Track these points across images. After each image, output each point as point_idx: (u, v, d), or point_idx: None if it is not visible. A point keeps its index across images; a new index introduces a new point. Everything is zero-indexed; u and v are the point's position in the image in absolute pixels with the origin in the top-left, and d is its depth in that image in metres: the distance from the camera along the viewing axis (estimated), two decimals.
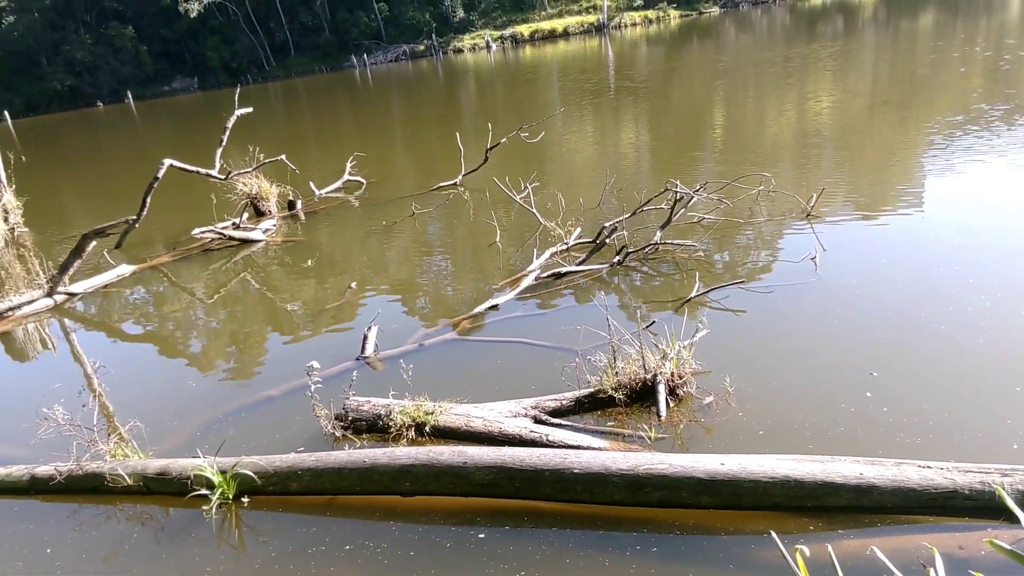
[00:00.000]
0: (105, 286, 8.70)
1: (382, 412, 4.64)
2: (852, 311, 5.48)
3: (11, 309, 7.99)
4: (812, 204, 7.63)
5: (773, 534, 2.30)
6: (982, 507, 3.23)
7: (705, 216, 7.71)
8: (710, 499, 3.49)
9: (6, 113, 51.04)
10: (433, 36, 59.83)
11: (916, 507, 3.31)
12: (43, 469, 4.48)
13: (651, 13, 55.88)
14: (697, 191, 7.32)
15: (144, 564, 3.74)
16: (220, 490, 4.04)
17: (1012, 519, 1.70)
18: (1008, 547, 1.76)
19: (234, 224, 9.95)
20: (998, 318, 5.02)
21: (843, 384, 4.48)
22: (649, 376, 4.50)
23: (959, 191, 8.03)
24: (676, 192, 7.14)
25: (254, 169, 10.60)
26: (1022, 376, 4.28)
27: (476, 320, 6.24)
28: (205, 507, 4.02)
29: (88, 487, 4.39)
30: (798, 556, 2.20)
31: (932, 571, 2.03)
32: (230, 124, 10.64)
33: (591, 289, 6.62)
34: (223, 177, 10.26)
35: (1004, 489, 3.19)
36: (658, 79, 23.26)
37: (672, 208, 7.19)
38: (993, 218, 7.04)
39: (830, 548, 2.25)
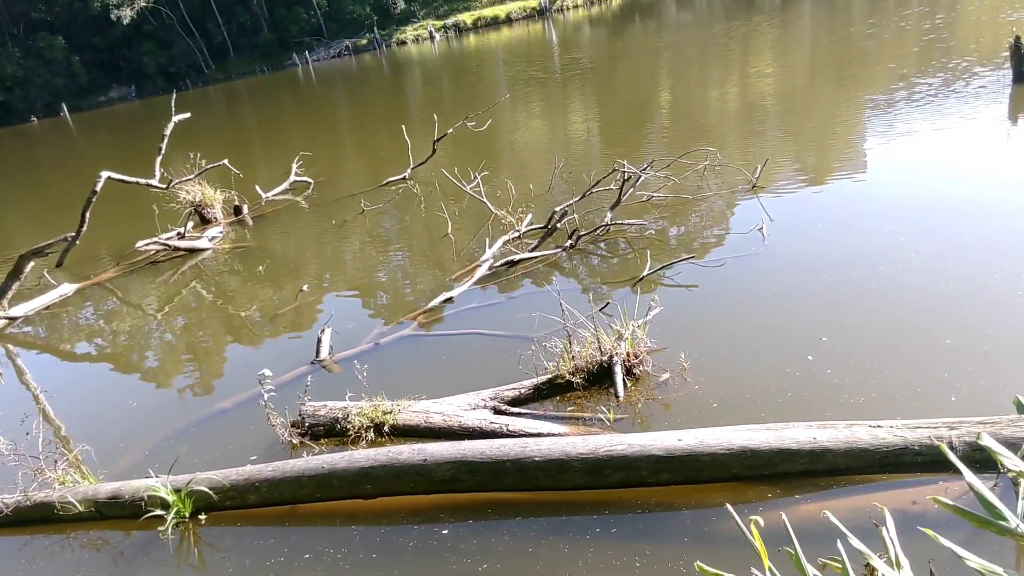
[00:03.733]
0: (48, 307, 8.41)
1: (339, 415, 4.57)
2: (798, 278, 5.60)
3: None
4: (757, 175, 7.72)
5: (728, 507, 2.30)
6: (932, 461, 3.29)
7: (654, 194, 7.74)
8: (670, 475, 3.51)
9: None
10: (375, 29, 58.89)
11: (869, 467, 3.37)
12: None
13: None
14: (644, 170, 7.34)
15: None
16: (176, 509, 3.94)
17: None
18: (950, 502, 1.77)
19: (179, 234, 9.69)
20: (927, 274, 5.20)
21: (790, 350, 4.54)
22: (605, 358, 4.50)
23: (898, 155, 8.20)
24: (624, 172, 7.15)
25: (196, 176, 10.33)
26: (951, 329, 4.42)
27: (432, 314, 6.17)
28: (161, 528, 3.90)
29: (38, 517, 4.23)
30: (752, 527, 2.21)
31: (884, 530, 2.04)
32: (168, 131, 10.35)
33: (547, 275, 6.60)
34: (164, 187, 9.98)
35: (953, 442, 3.26)
36: (603, 61, 23.30)
37: (621, 188, 7.20)
38: (929, 179, 7.24)
39: (784, 516, 2.26)
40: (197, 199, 10.34)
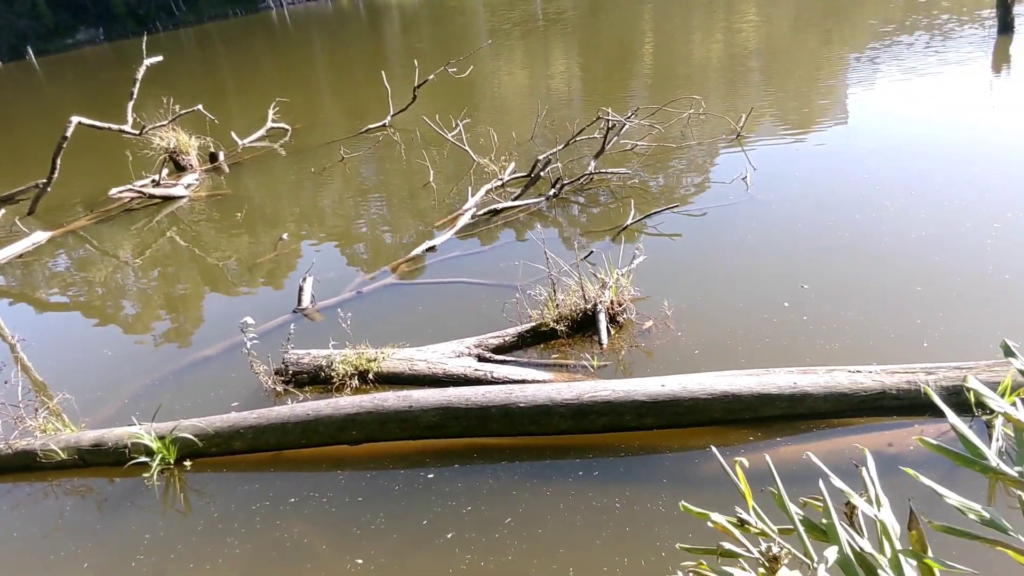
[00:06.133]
0: (21, 255, 8.24)
1: (323, 363, 4.55)
2: (777, 226, 5.63)
3: None
4: (741, 124, 7.67)
5: (713, 448, 2.34)
6: (909, 405, 3.37)
7: (638, 143, 7.68)
8: (653, 420, 3.55)
9: None
10: None
11: (848, 410, 3.43)
12: None
13: None
14: (628, 118, 7.26)
15: (83, 537, 3.63)
16: (160, 456, 3.93)
17: (937, 414, 1.76)
18: (935, 442, 1.81)
19: (153, 181, 9.48)
20: (900, 221, 5.27)
21: (769, 298, 4.58)
22: (589, 306, 4.51)
23: (880, 106, 8.21)
24: (608, 120, 7.07)
25: (170, 122, 10.05)
26: (923, 275, 4.51)
27: (415, 263, 6.13)
28: (146, 475, 3.90)
29: (20, 465, 4.21)
30: (737, 467, 2.24)
31: (864, 470, 2.08)
32: (139, 75, 10.04)
33: (530, 223, 6.56)
34: (137, 132, 9.72)
35: (929, 386, 3.33)
36: (586, 8, 22.83)
37: (605, 136, 7.13)
38: (909, 129, 7.26)
39: (767, 457, 2.29)
40: (171, 146, 10.08)
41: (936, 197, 5.55)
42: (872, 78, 9.12)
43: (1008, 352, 1.76)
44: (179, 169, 10.27)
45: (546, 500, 3.24)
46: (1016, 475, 1.73)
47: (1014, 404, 1.85)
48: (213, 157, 10.57)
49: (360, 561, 3.10)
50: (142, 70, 10.05)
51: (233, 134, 10.97)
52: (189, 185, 9.54)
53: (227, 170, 10.37)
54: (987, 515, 1.72)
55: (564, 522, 3.09)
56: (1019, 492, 1.86)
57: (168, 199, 9.18)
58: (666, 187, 6.97)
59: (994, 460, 1.75)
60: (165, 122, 9.99)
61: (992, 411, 3.05)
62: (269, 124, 11.41)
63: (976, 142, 6.56)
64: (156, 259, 7.75)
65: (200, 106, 10.47)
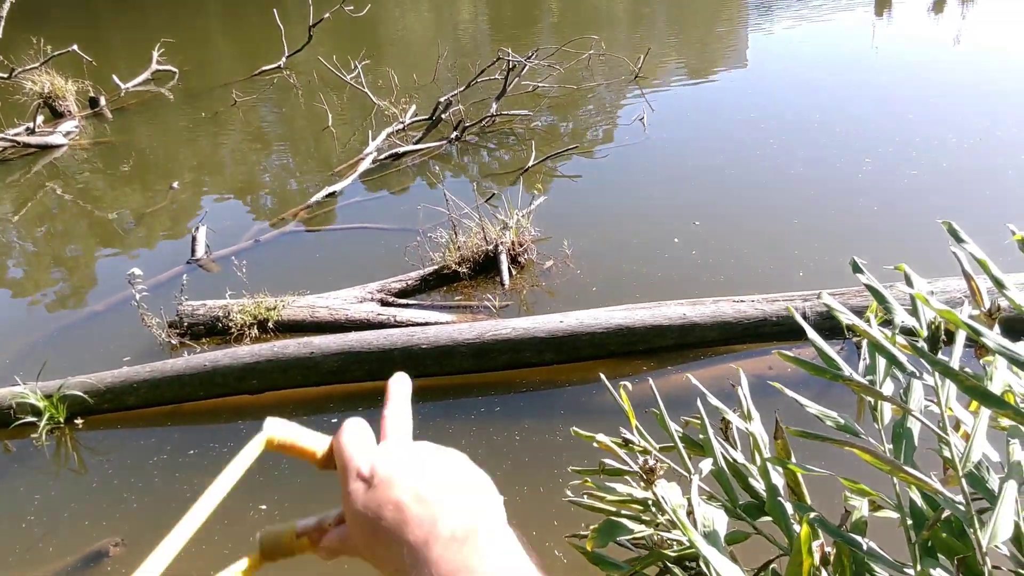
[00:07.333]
0: None
1: (220, 314, 4.44)
2: (671, 166, 5.86)
3: None
4: (639, 66, 7.76)
5: (602, 375, 2.43)
6: (788, 331, 3.60)
7: (539, 84, 7.66)
8: (553, 355, 3.66)
9: None
10: None
11: (733, 338, 3.64)
12: None
13: None
14: (529, 58, 7.22)
15: None
16: (48, 415, 3.77)
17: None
18: (790, 354, 1.92)
19: (28, 129, 8.79)
20: (781, 158, 5.60)
21: (661, 234, 4.77)
22: (491, 247, 4.55)
23: (775, 48, 8.51)
24: (508, 61, 7.01)
25: (42, 64, 9.30)
26: (799, 209, 4.84)
27: (315, 210, 5.98)
28: (34, 435, 3.74)
29: None
30: (622, 391, 2.34)
31: (739, 389, 2.21)
32: (4, 12, 9.20)
33: (435, 168, 6.50)
34: (6, 76, 8.97)
35: (806, 312, 3.57)
36: None
37: (506, 78, 7.07)
38: (798, 69, 7.57)
39: (651, 382, 2.41)
40: (45, 90, 9.32)
41: (815, 135, 5.87)
42: (769, 23, 9.39)
43: (856, 268, 1.91)
44: (56, 116, 9.52)
45: (448, 437, 3.31)
46: (865, 382, 1.90)
47: (868, 321, 2.01)
48: (94, 102, 9.86)
49: (264, 507, 3.10)
50: (6, 7, 9.21)
51: (115, 78, 10.25)
52: (68, 133, 8.90)
53: (110, 116, 9.71)
54: (841, 421, 1.88)
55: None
56: (868, 398, 2.04)
57: (46, 148, 8.55)
58: (574, 130, 7.04)
59: (847, 370, 1.91)
60: (36, 64, 9.24)
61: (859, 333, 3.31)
62: (154, 66, 10.70)
63: (856, 82, 6.90)
64: (37, 214, 7.24)
65: (75, 47, 9.72)
